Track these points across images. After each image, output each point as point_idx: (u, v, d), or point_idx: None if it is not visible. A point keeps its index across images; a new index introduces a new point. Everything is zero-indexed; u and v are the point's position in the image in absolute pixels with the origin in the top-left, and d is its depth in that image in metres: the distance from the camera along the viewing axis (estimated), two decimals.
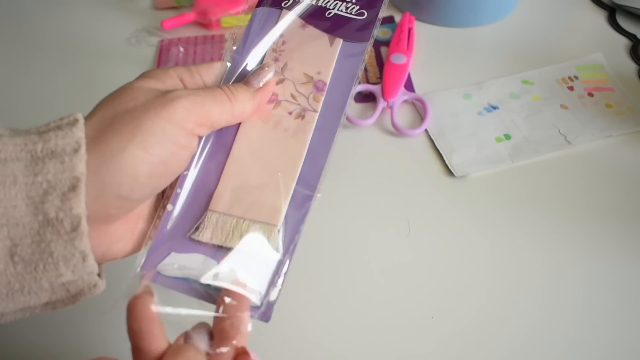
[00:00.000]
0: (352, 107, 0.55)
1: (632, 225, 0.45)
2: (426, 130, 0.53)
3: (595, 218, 0.46)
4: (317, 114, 0.36)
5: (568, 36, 0.61)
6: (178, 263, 0.33)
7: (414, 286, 0.43)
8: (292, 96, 0.36)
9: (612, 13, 0.63)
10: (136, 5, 0.67)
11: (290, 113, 0.36)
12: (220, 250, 0.33)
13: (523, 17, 0.63)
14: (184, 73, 0.34)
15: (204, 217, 0.33)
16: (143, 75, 0.33)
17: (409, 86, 0.56)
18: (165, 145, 0.30)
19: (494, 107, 0.54)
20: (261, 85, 0.35)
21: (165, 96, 0.31)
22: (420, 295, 0.42)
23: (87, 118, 0.30)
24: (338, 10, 0.39)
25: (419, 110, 0.55)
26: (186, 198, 0.34)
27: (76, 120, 0.29)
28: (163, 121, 0.30)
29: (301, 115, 0.36)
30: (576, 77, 0.56)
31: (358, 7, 0.39)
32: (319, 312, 0.41)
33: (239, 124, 0.35)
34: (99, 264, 0.31)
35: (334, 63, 0.37)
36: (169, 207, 0.34)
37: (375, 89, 0.55)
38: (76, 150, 0.28)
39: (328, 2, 0.39)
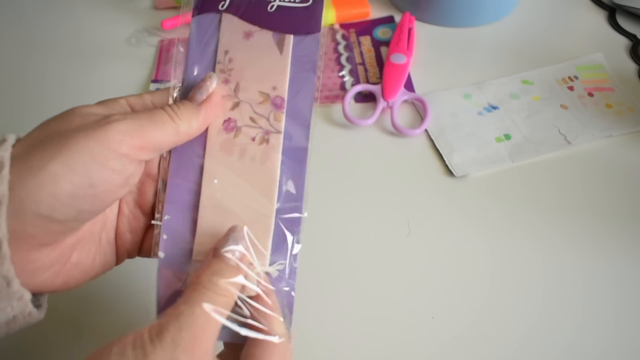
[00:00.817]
0: (352, 107, 0.55)
1: (632, 225, 0.45)
2: (426, 130, 0.53)
3: (595, 218, 0.46)
4: (282, 135, 0.33)
5: (568, 36, 0.61)
6: None
7: (413, 286, 0.43)
8: (252, 119, 0.34)
9: (612, 13, 0.63)
10: (136, 5, 0.67)
11: (254, 139, 0.33)
12: None
13: (523, 17, 0.63)
14: (135, 100, 0.32)
15: (190, 269, 0.32)
16: (93, 103, 0.31)
17: (409, 86, 0.56)
18: (91, 167, 0.28)
19: (494, 107, 0.54)
20: (205, 97, 0.33)
21: (100, 120, 0.29)
22: (420, 295, 0.42)
23: (21, 139, 0.29)
24: (280, 1, 0.36)
25: (419, 110, 0.55)
26: (173, 242, 0.33)
27: (4, 140, 0.28)
28: (92, 142, 0.28)
29: (265, 140, 0.33)
30: (576, 77, 0.56)
31: None
32: (318, 313, 0.41)
33: (203, 160, 0.33)
34: (39, 294, 0.30)
35: (289, 73, 0.34)
36: (160, 254, 0.33)
37: (375, 89, 0.55)
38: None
39: None
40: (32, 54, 0.62)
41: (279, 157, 0.33)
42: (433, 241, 0.45)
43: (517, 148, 0.51)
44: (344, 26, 0.63)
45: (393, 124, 0.52)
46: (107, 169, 0.28)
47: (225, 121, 0.34)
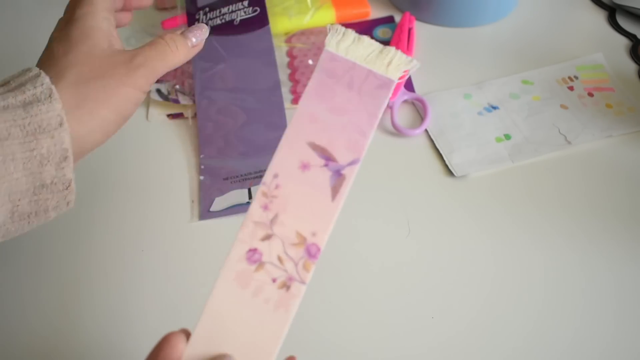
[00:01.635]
0: None
1: (632, 224, 0.45)
2: (426, 130, 0.53)
3: (596, 218, 0.46)
4: (305, 287, 0.30)
5: (568, 36, 0.61)
6: (223, 200, 0.45)
7: (413, 286, 0.43)
8: (279, 259, 0.31)
9: (612, 13, 0.63)
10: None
11: (274, 280, 0.30)
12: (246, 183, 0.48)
13: (523, 17, 0.63)
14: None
15: None
16: (87, 33, 0.38)
17: (409, 86, 0.56)
18: (128, 107, 0.37)
19: (494, 107, 0.54)
20: (197, 43, 0.41)
21: (128, 65, 0.37)
22: (420, 296, 0.42)
23: (55, 81, 0.35)
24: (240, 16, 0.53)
25: (419, 110, 0.55)
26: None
27: (50, 90, 0.34)
28: (129, 88, 0.37)
29: (286, 286, 0.30)
30: (576, 77, 0.56)
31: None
32: (318, 312, 0.41)
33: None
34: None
35: (333, 224, 0.31)
36: (201, 178, 0.49)
37: None
38: (61, 124, 0.33)
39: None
40: (30, 54, 0.62)
41: (295, 308, 0.30)
42: (433, 241, 0.45)
43: (517, 148, 0.51)
44: (344, 26, 0.63)
45: (393, 124, 0.52)
46: (134, 105, 0.38)
47: (250, 250, 0.31)
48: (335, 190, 0.31)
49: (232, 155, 0.50)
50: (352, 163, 0.32)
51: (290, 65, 0.58)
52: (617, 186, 0.48)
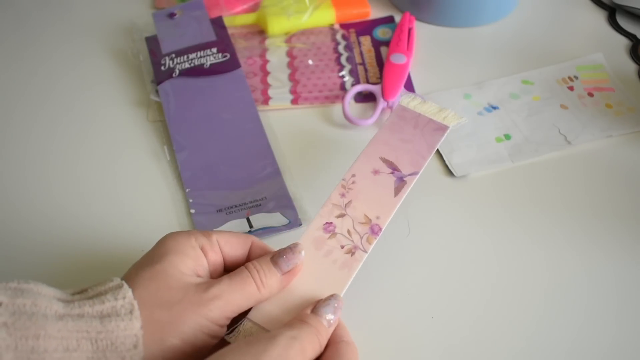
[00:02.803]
0: (352, 107, 0.55)
1: (633, 224, 0.45)
2: None
3: (596, 218, 0.46)
4: (366, 255, 0.38)
5: (568, 36, 0.61)
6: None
7: (413, 286, 0.43)
8: (348, 232, 0.39)
9: (612, 13, 0.63)
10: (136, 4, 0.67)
11: (343, 247, 0.38)
12: None
13: (523, 17, 0.63)
14: (205, 242, 0.36)
15: (240, 324, 0.36)
16: (169, 251, 0.35)
17: (409, 86, 0.56)
18: (199, 337, 0.33)
19: (494, 107, 0.54)
20: (291, 268, 0.36)
21: (202, 295, 0.33)
22: (420, 296, 0.42)
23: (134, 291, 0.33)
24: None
25: None
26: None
27: (132, 306, 0.32)
28: (200, 318, 0.33)
29: (351, 252, 0.38)
30: (576, 77, 0.56)
31: None
32: None
33: None
34: None
35: (394, 213, 0.40)
36: (192, 211, 0.46)
37: (375, 89, 0.55)
38: (135, 346, 0.31)
39: None
40: (31, 52, 0.62)
41: (357, 269, 0.38)
42: (433, 241, 0.45)
43: (517, 148, 0.51)
44: (344, 26, 0.63)
45: None
46: (210, 337, 0.34)
47: (327, 223, 0.39)
48: (397, 190, 0.40)
49: (220, 188, 0.48)
50: (413, 174, 0.41)
51: (290, 65, 0.58)
52: (617, 186, 0.48)
